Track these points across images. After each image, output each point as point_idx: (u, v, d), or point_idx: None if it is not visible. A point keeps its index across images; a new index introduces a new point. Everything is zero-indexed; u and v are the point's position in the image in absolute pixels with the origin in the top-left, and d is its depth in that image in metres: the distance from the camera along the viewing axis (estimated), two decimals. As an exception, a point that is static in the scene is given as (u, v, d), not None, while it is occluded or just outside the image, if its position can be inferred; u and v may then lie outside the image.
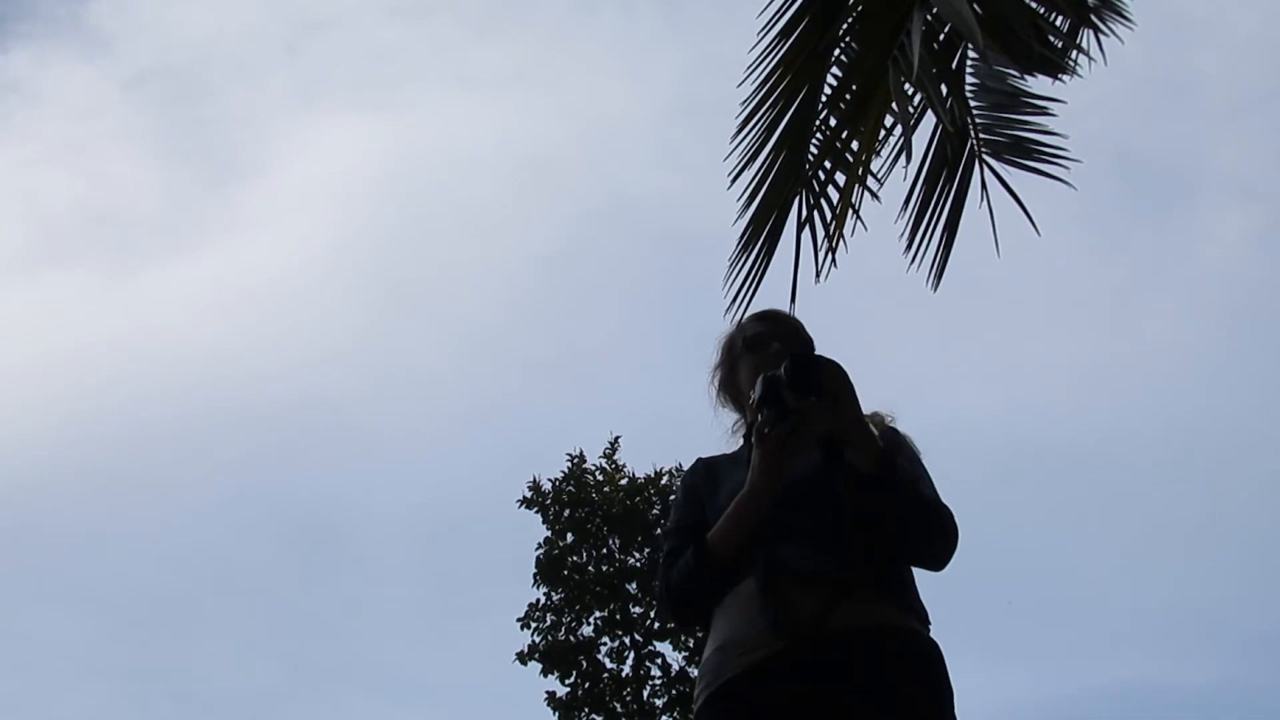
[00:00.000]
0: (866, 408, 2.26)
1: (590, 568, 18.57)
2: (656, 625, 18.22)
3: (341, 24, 43.99)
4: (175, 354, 43.00)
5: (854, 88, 3.56)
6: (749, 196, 3.75)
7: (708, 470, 2.46)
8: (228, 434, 39.61)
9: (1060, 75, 3.94)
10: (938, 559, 2.21)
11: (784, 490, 2.18)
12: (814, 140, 3.78)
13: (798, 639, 2.05)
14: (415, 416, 37.65)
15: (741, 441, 2.49)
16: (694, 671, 17.83)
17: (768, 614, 2.09)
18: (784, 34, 3.53)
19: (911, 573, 2.25)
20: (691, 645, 18.02)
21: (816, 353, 2.26)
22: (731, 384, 2.53)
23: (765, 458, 2.15)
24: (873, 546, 2.14)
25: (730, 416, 2.58)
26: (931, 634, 2.19)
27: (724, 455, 2.51)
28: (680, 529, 2.33)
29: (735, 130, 3.68)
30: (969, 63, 4.12)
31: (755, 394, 2.20)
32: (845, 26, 3.63)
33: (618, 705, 17.59)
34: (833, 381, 2.16)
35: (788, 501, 2.19)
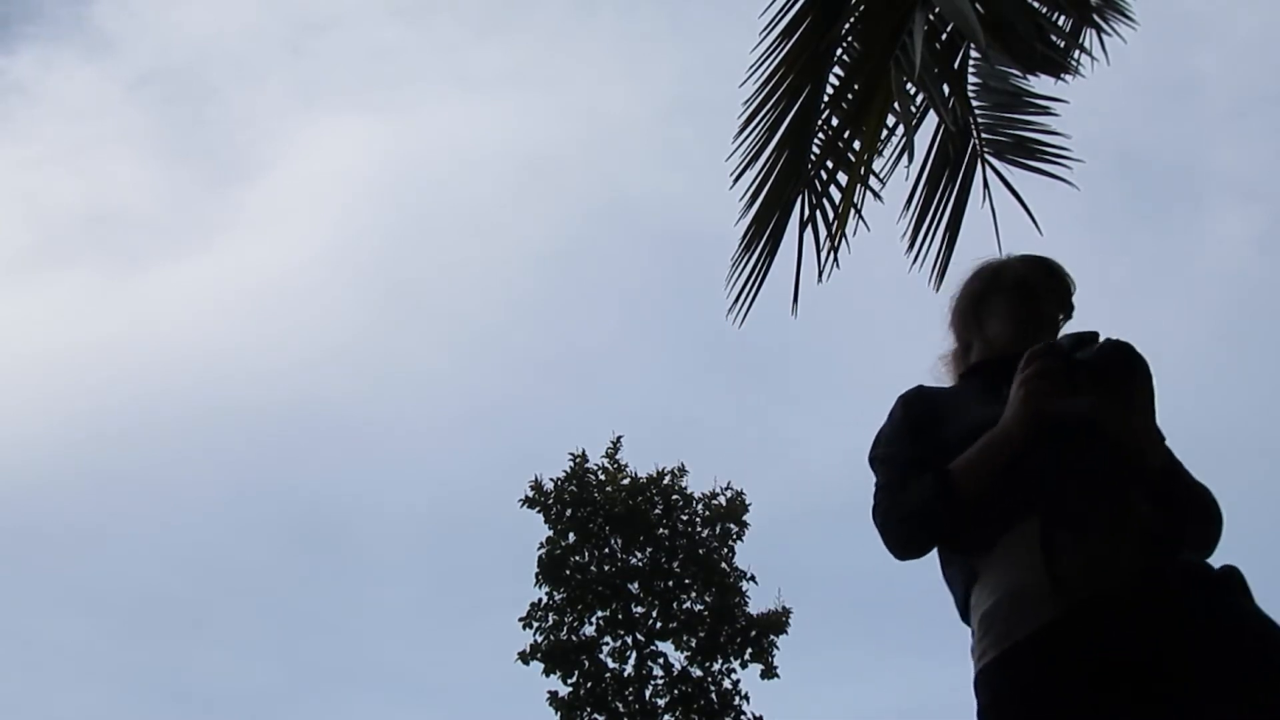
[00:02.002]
0: None
1: (592, 567, 18.57)
2: (658, 625, 18.23)
3: (341, 24, 43.98)
4: (175, 354, 43.02)
5: (856, 88, 3.56)
6: (751, 196, 3.76)
7: (930, 403, 2.28)
8: (228, 434, 39.62)
9: (1062, 75, 3.94)
10: (1209, 547, 2.12)
11: (1054, 428, 2.03)
12: (816, 140, 3.78)
13: (1091, 590, 1.92)
14: (415, 416, 37.67)
15: (954, 379, 2.37)
16: (696, 671, 17.81)
17: (1056, 564, 1.95)
18: (786, 34, 3.53)
19: None
20: (694, 645, 18.02)
21: (1119, 340, 2.05)
22: (973, 312, 2.36)
23: (1028, 394, 2.02)
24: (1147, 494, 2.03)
25: (948, 345, 2.42)
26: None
27: (943, 389, 2.35)
28: (912, 459, 2.17)
29: (737, 130, 3.70)
30: (971, 62, 4.12)
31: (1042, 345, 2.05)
32: (847, 26, 3.63)
33: (620, 705, 17.58)
34: (1131, 378, 2.02)
35: (1060, 440, 2.05)
